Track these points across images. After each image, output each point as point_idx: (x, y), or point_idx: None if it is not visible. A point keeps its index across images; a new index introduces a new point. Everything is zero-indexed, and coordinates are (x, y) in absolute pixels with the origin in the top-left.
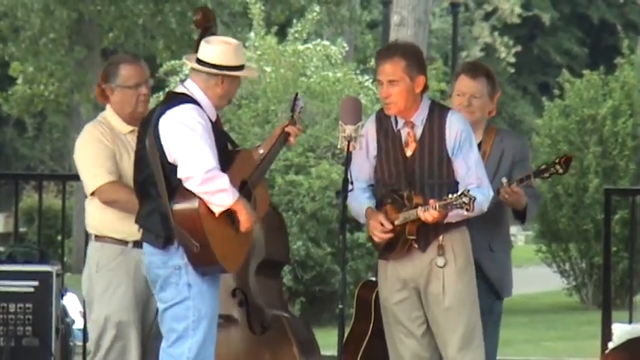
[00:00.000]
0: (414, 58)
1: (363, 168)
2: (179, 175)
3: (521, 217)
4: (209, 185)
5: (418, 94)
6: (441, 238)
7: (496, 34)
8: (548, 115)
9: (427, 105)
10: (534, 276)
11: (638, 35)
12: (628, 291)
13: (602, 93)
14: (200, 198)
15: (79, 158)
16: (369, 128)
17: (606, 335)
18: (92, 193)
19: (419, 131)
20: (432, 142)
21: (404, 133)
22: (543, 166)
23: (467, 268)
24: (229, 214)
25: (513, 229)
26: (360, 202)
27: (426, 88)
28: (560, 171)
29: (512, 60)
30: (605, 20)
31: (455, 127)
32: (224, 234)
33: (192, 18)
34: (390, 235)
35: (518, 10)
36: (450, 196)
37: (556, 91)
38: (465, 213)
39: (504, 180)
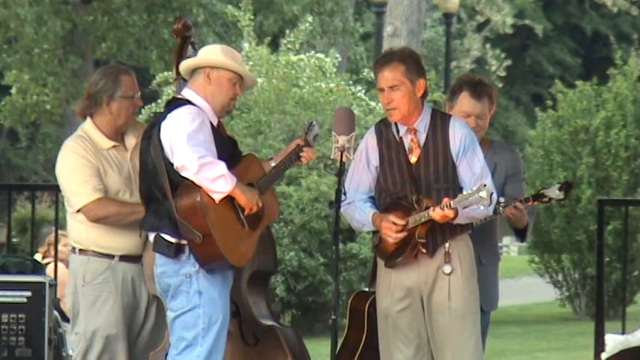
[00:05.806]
0: (412, 61)
1: (363, 179)
2: (175, 164)
3: (521, 235)
4: (207, 172)
5: (419, 99)
6: (447, 245)
7: (487, 46)
8: (541, 126)
9: (429, 111)
10: (527, 287)
11: (631, 46)
12: (621, 301)
13: (595, 104)
14: (201, 189)
15: (62, 176)
16: (369, 139)
17: (599, 346)
18: (78, 211)
19: (422, 137)
20: (437, 148)
21: (407, 140)
22: (542, 191)
23: (471, 277)
24: (234, 208)
25: (506, 240)
26: (363, 210)
27: (426, 92)
28: (561, 197)
29: (503, 74)
30: (598, 31)
31: (459, 132)
32: (229, 226)
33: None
34: (404, 234)
35: (510, 20)
36: (464, 192)
37: (549, 102)
38: (481, 208)
39: (502, 199)
